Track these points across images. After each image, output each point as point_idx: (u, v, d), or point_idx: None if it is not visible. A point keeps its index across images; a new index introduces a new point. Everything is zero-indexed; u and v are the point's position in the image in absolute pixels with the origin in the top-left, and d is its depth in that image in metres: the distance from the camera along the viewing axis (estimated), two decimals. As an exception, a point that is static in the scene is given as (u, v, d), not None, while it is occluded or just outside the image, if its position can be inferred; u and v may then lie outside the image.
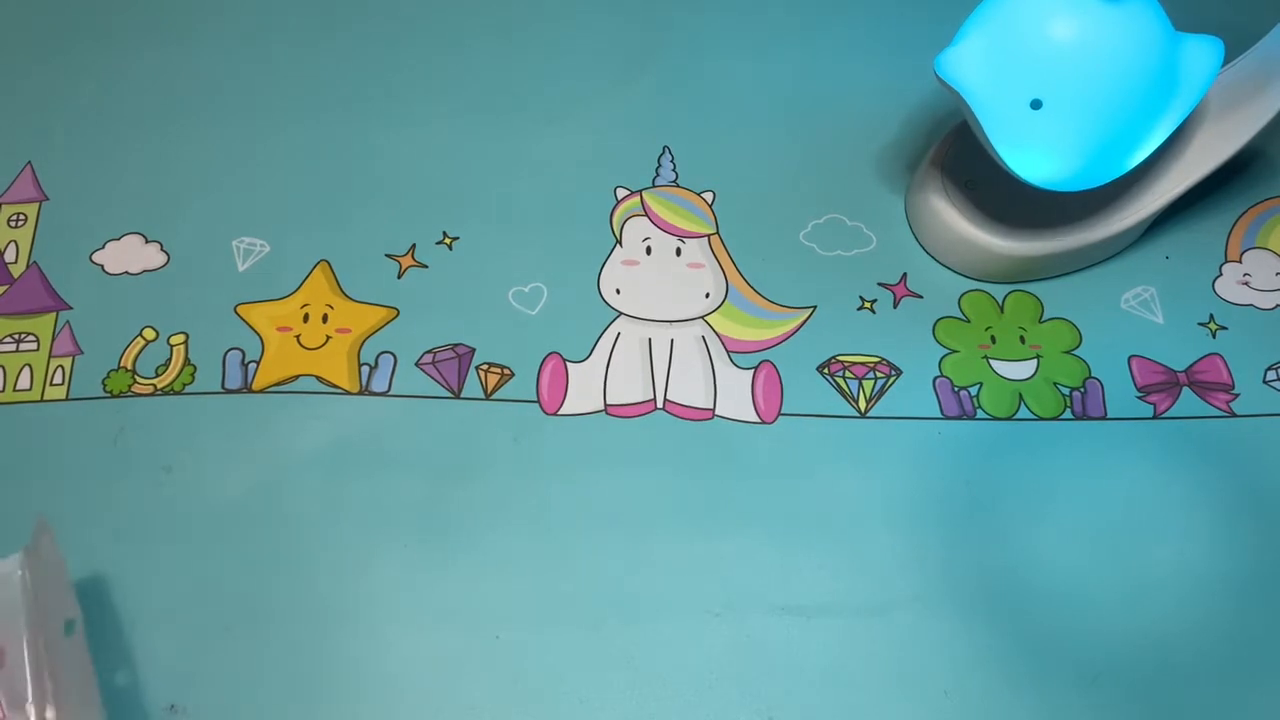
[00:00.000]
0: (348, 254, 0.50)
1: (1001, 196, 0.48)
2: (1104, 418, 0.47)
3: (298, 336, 0.48)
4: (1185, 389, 0.47)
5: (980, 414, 0.47)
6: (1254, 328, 0.49)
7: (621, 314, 0.49)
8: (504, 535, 0.43)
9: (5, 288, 0.49)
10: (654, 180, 0.52)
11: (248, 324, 0.48)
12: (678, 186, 0.52)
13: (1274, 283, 0.50)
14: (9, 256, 0.50)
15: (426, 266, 0.50)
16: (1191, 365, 0.48)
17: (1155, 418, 0.47)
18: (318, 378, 0.47)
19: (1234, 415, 0.47)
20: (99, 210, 0.51)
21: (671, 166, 0.53)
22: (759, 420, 0.46)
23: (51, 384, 0.46)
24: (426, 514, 0.44)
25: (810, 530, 0.44)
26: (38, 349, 0.47)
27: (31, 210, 0.51)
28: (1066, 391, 0.47)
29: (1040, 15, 0.42)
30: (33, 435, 0.45)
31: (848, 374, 0.47)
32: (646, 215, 0.51)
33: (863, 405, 0.47)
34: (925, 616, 0.42)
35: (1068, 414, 0.47)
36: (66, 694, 0.36)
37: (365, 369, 0.47)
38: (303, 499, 0.44)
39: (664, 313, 0.49)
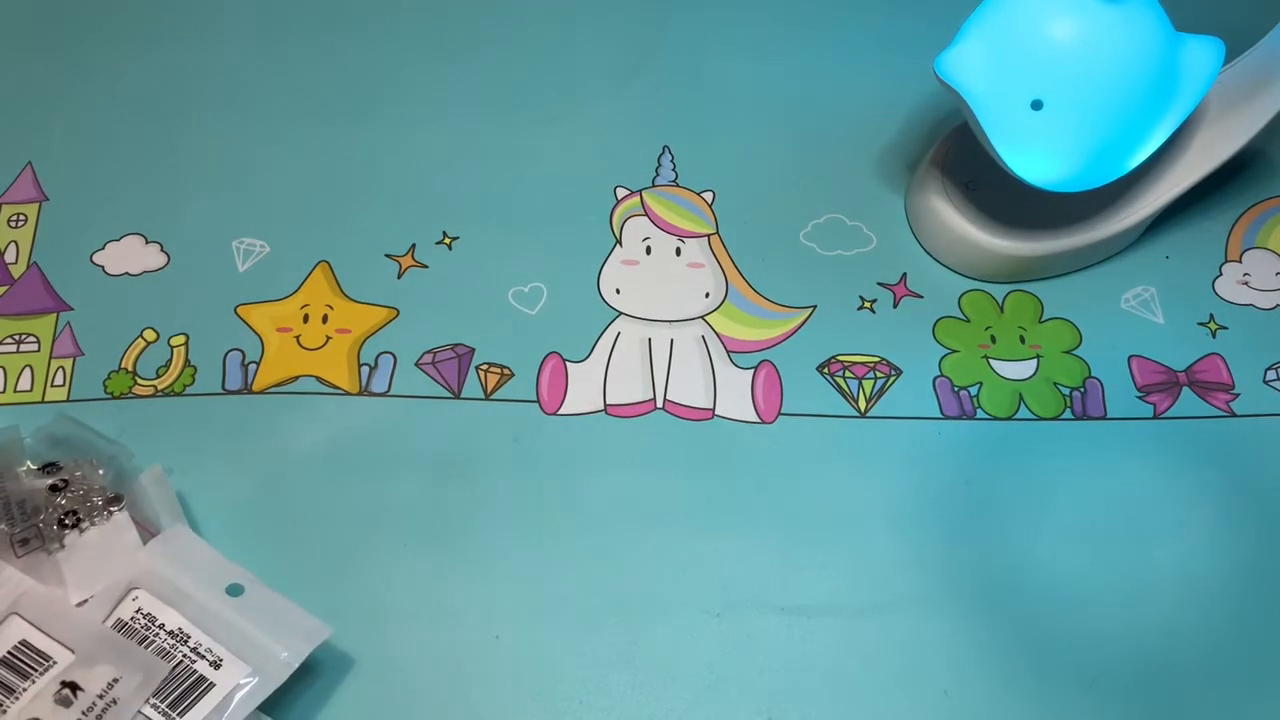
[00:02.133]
0: (348, 254, 0.50)
1: (1001, 196, 0.48)
2: (1104, 418, 0.47)
3: (298, 337, 0.48)
4: (1185, 389, 0.47)
5: (980, 414, 0.47)
6: (1254, 328, 0.49)
7: (621, 314, 0.49)
8: (504, 535, 0.44)
9: (5, 288, 0.49)
10: (654, 180, 0.52)
11: (248, 325, 0.48)
12: (678, 186, 0.52)
13: (1274, 283, 0.50)
14: (9, 257, 0.50)
15: (426, 266, 0.50)
16: (1191, 365, 0.48)
17: (1155, 418, 0.47)
18: (318, 378, 0.47)
19: (1234, 415, 0.47)
20: (99, 210, 0.51)
21: (671, 166, 0.53)
22: (759, 420, 0.46)
23: (52, 385, 0.47)
24: (426, 514, 0.44)
25: (810, 530, 0.44)
26: (38, 350, 0.47)
27: (31, 210, 0.51)
28: (1066, 391, 0.47)
29: (1040, 15, 0.42)
30: (33, 436, 0.45)
31: (848, 374, 0.47)
32: (646, 215, 0.51)
33: (863, 405, 0.47)
34: (925, 616, 0.42)
35: (1068, 414, 0.47)
36: None
37: (365, 369, 0.47)
38: (303, 499, 0.44)
39: (664, 313, 0.49)
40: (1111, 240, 0.49)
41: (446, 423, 0.46)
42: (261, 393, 0.46)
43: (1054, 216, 0.48)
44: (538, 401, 0.46)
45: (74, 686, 0.37)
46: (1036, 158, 0.43)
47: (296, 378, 0.47)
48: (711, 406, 0.47)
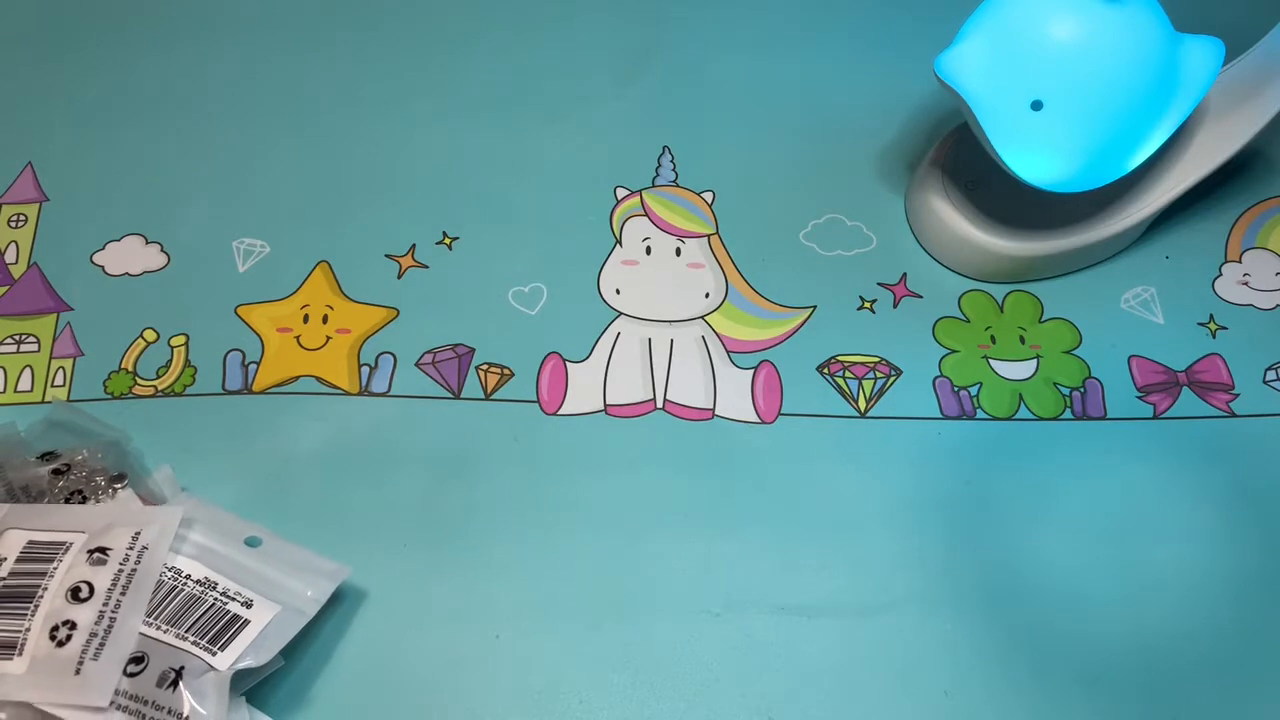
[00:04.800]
0: (348, 254, 0.50)
1: (1001, 196, 0.48)
2: (1104, 418, 0.47)
3: (298, 337, 0.48)
4: (1185, 389, 0.47)
5: (980, 414, 0.47)
6: (1254, 328, 0.49)
7: (621, 314, 0.49)
8: (504, 535, 0.43)
9: (6, 289, 0.49)
10: (654, 180, 0.52)
11: (248, 325, 0.48)
12: (678, 186, 0.52)
13: (1274, 283, 0.50)
14: (9, 257, 0.50)
15: (426, 266, 0.50)
16: (1191, 365, 0.48)
17: (1155, 418, 0.47)
18: (318, 378, 0.47)
19: (1234, 415, 0.47)
20: (99, 211, 0.51)
21: (671, 166, 0.53)
22: (759, 420, 0.46)
23: (53, 385, 0.47)
24: (426, 514, 0.44)
25: (810, 530, 0.44)
26: (39, 350, 0.47)
27: (31, 211, 0.51)
28: (1066, 391, 0.47)
29: (1040, 16, 0.42)
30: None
31: (848, 374, 0.47)
32: (646, 215, 0.51)
33: (863, 405, 0.47)
34: (925, 616, 0.42)
35: (1068, 414, 0.47)
36: None
37: (365, 369, 0.47)
38: (303, 499, 0.44)
39: (664, 313, 0.49)
40: (1111, 240, 0.49)
41: (446, 423, 0.46)
42: (261, 393, 0.46)
43: (1054, 216, 0.48)
44: (538, 401, 0.46)
45: (101, 549, 0.39)
46: (1036, 158, 0.43)
47: (296, 378, 0.47)
48: (711, 406, 0.47)
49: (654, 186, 0.52)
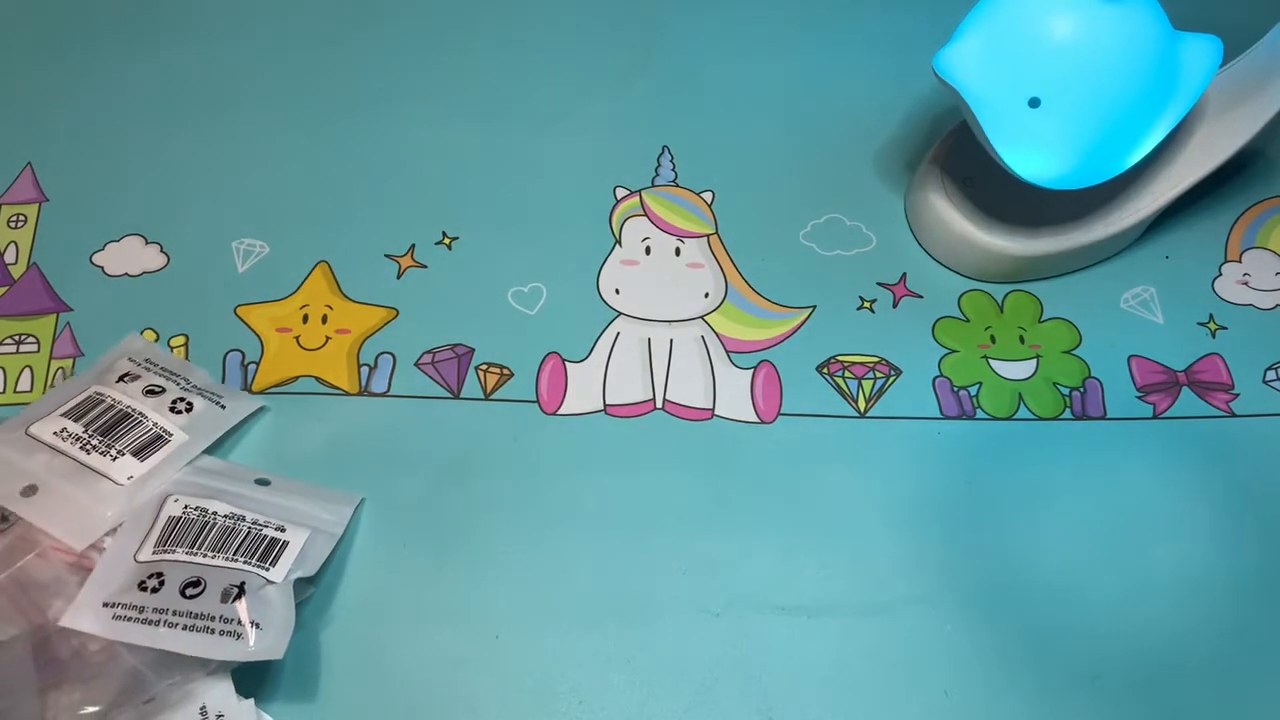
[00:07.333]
0: (347, 254, 0.50)
1: (1001, 196, 0.48)
2: (1104, 418, 0.47)
3: (297, 337, 0.48)
4: (1185, 389, 0.47)
5: (980, 414, 0.47)
6: (1254, 328, 0.49)
7: (621, 314, 0.49)
8: (504, 535, 0.43)
9: (5, 289, 0.49)
10: (653, 180, 0.52)
11: (247, 325, 0.48)
12: (677, 186, 0.52)
13: (1274, 283, 0.50)
14: (9, 257, 0.50)
15: (426, 267, 0.50)
16: (1191, 365, 0.48)
17: (1155, 418, 0.47)
18: (317, 379, 0.47)
19: (1234, 415, 0.47)
20: (99, 211, 0.51)
21: (671, 166, 0.53)
22: (759, 420, 0.46)
23: (52, 386, 0.46)
24: (426, 514, 0.44)
25: (810, 530, 0.44)
26: (38, 351, 0.47)
27: (31, 211, 0.51)
28: (1066, 391, 0.47)
29: (1039, 14, 0.42)
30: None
31: (847, 374, 0.47)
32: (646, 215, 0.51)
33: (862, 405, 0.47)
34: (926, 616, 0.42)
35: (1067, 414, 0.47)
36: None
37: (365, 369, 0.47)
38: (303, 499, 0.44)
39: (663, 313, 0.49)
40: (1111, 240, 0.49)
41: (446, 423, 0.46)
42: (261, 393, 0.46)
43: (1054, 216, 0.48)
44: (537, 401, 0.46)
45: (123, 374, 0.44)
46: (1034, 155, 0.43)
47: (296, 378, 0.47)
48: (711, 406, 0.47)
49: (654, 186, 0.52)
